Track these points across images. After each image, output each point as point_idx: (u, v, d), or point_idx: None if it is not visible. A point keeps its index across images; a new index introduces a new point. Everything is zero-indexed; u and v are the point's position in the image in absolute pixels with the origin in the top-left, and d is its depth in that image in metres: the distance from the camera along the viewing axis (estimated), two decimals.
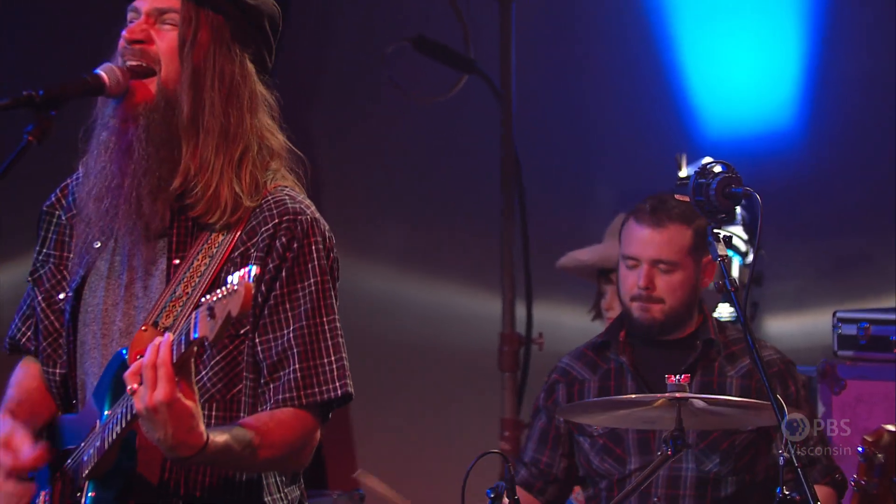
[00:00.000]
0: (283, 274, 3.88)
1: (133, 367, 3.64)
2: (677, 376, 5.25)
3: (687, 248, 5.86)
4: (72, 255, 4.09)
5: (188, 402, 3.62)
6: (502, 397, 8.20)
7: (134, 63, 3.90)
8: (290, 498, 4.03)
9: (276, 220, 3.90)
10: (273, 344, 3.88)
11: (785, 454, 4.49)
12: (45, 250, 4.13)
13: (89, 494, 3.82)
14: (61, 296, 4.07)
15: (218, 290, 3.51)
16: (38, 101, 3.78)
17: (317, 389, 3.89)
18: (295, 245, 3.90)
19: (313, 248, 3.91)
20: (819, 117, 8.39)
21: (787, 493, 4.52)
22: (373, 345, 8.59)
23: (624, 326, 6.03)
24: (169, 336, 3.63)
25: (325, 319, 3.91)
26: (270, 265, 3.87)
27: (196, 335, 3.54)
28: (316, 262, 3.91)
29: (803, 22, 8.34)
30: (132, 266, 3.94)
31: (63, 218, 4.12)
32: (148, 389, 3.60)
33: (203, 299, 3.55)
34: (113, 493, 3.82)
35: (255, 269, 3.49)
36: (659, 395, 5.27)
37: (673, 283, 5.87)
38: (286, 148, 4.05)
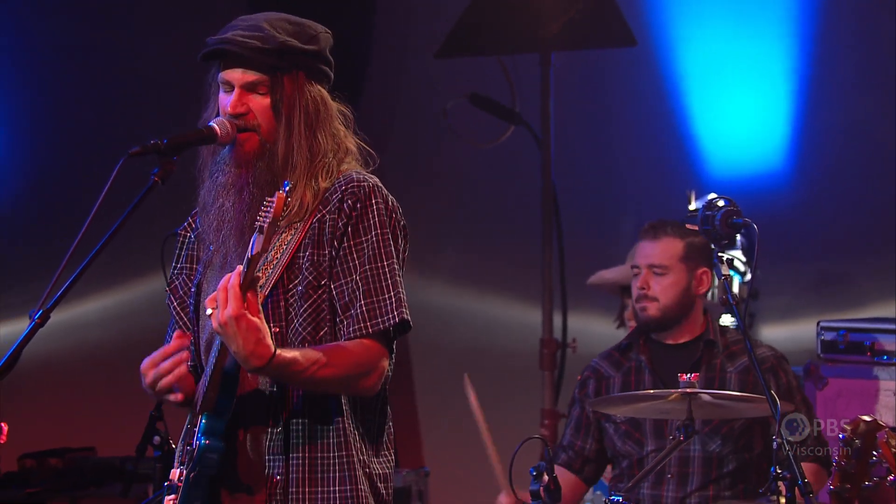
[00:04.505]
0: (349, 230, 3.90)
1: (211, 294, 3.73)
2: (688, 375, 5.25)
3: (677, 256, 5.86)
4: (200, 267, 4.12)
5: (254, 318, 3.67)
6: (542, 392, 8.17)
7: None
8: (385, 426, 4.05)
9: (344, 188, 3.93)
10: (344, 288, 3.89)
11: (778, 439, 4.48)
12: (178, 265, 4.15)
13: (202, 422, 3.85)
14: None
15: (261, 210, 3.63)
16: (162, 148, 3.81)
17: (379, 320, 3.88)
18: (358, 205, 3.91)
19: (374, 207, 3.93)
20: (805, 161, 8.36)
21: (779, 471, 4.50)
22: (433, 349, 8.59)
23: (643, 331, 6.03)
24: (238, 266, 3.69)
25: (384, 263, 3.91)
26: (339, 223, 3.90)
27: (253, 251, 3.63)
28: (376, 219, 3.93)
29: (793, 81, 8.31)
30: (240, 256, 3.92)
31: (192, 237, 4.14)
32: (220, 308, 3.67)
33: (255, 223, 3.65)
34: (221, 423, 3.86)
35: (289, 185, 3.63)
36: (673, 391, 5.27)
37: (664, 284, 5.86)
38: (358, 147, 4.08)
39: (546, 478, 5.05)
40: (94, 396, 8.59)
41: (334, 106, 4.04)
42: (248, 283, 3.67)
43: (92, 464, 7.41)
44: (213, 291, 3.95)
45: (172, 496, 3.92)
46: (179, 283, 4.14)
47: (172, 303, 4.14)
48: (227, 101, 3.95)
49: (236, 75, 3.94)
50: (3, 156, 8.59)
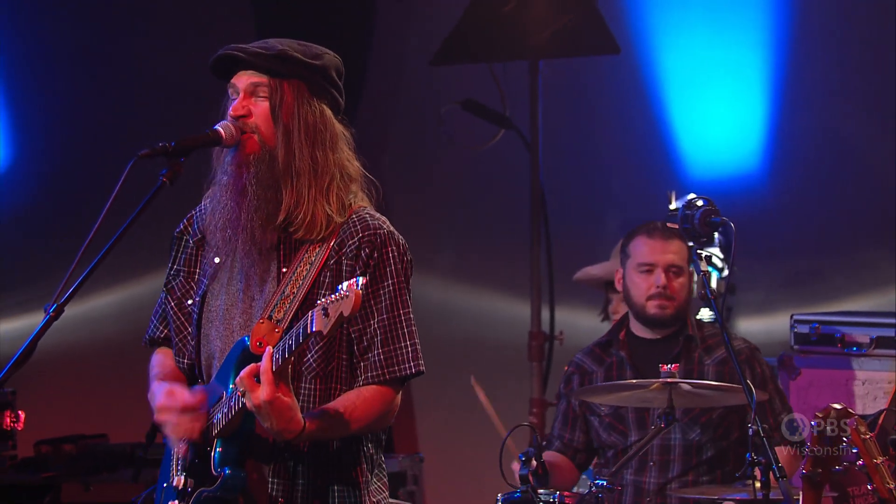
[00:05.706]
0: (368, 278, 3.90)
1: (243, 373, 3.72)
2: (669, 365, 5.25)
3: (687, 259, 5.84)
4: (198, 270, 4.11)
5: (286, 399, 3.69)
6: (531, 382, 8.17)
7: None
8: (377, 458, 4.05)
9: (360, 235, 3.93)
10: (362, 333, 3.91)
11: (753, 427, 4.48)
12: (175, 266, 4.15)
13: (218, 449, 3.85)
14: (189, 301, 4.08)
15: (332, 295, 3.57)
16: (170, 150, 3.81)
17: (396, 368, 3.92)
18: (375, 254, 3.92)
19: (389, 256, 3.94)
20: (780, 163, 8.37)
21: (755, 456, 4.51)
22: (429, 342, 8.50)
23: (623, 327, 6.01)
24: (269, 349, 3.69)
25: (401, 312, 3.94)
26: (358, 271, 3.90)
27: (313, 329, 3.59)
28: (392, 267, 3.93)
29: (768, 87, 8.32)
30: (248, 275, 3.96)
31: (191, 241, 4.13)
32: (254, 392, 3.69)
33: (318, 301, 3.61)
34: (236, 449, 3.86)
35: (362, 280, 3.57)
36: (655, 380, 5.27)
37: (681, 284, 5.84)
38: (361, 173, 4.06)
39: (534, 463, 5.06)
40: (107, 386, 8.60)
41: (339, 129, 4.02)
42: (280, 371, 3.69)
43: (104, 450, 7.41)
44: (220, 303, 3.97)
45: (175, 502, 3.93)
46: (177, 284, 4.13)
47: (169, 303, 4.13)
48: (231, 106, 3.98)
49: (240, 79, 3.96)
50: (15, 158, 8.59)
